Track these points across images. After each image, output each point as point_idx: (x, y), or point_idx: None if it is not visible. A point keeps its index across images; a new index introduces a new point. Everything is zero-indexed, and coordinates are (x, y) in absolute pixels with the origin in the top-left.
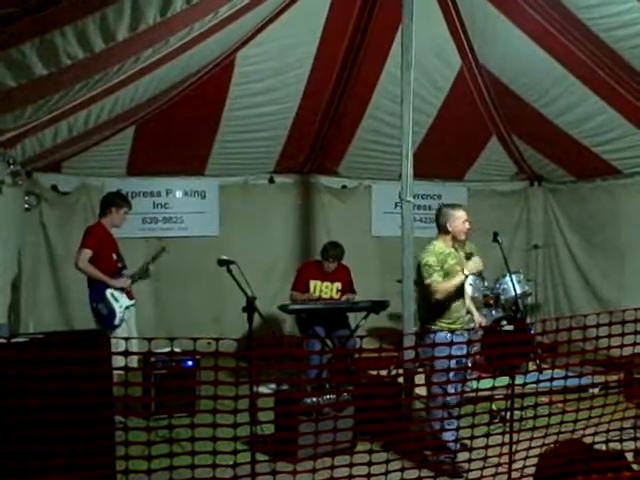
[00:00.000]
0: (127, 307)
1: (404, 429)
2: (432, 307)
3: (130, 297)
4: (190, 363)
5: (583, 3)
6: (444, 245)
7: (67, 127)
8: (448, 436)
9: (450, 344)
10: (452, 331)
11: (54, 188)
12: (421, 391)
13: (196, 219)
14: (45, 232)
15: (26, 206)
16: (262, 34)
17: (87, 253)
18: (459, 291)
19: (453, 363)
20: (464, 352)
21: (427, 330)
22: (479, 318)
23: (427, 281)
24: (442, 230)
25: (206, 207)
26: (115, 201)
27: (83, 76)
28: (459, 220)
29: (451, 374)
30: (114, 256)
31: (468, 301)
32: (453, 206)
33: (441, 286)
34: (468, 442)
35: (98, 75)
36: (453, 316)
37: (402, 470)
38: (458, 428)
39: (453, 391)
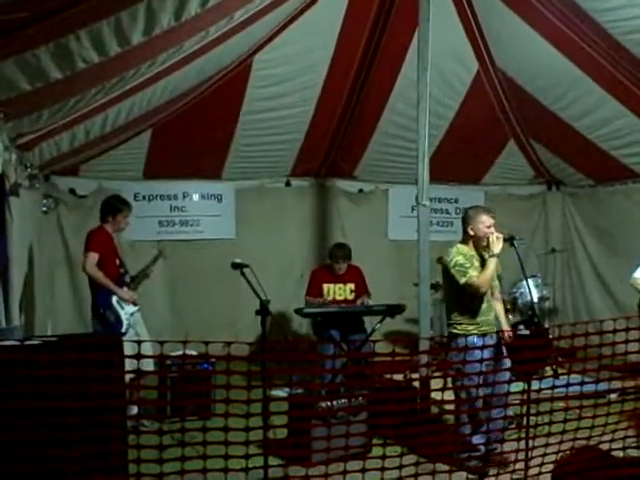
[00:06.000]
0: (132, 314)
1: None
2: (458, 310)
3: (134, 303)
4: (205, 366)
5: (601, 5)
6: (467, 248)
7: (84, 131)
8: (478, 439)
9: (465, 348)
10: (480, 335)
11: (72, 191)
12: (437, 396)
13: (212, 222)
14: (62, 235)
15: (44, 209)
16: (278, 38)
17: (94, 257)
18: (486, 295)
19: (479, 367)
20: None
21: (454, 335)
22: (507, 327)
23: (463, 280)
24: (465, 233)
25: (222, 210)
26: (111, 208)
27: (99, 80)
28: (481, 224)
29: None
30: (117, 261)
31: (499, 307)
32: (477, 209)
33: (481, 279)
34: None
35: (114, 79)
36: (477, 320)
37: (416, 476)
38: (488, 431)
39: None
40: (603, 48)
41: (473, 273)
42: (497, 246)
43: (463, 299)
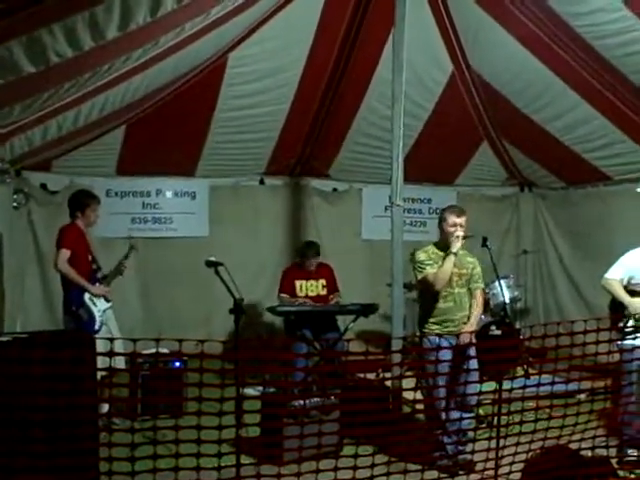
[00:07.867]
0: (104, 310)
1: (394, 432)
2: (423, 308)
3: (107, 299)
4: (177, 364)
5: (574, 10)
6: (435, 248)
7: (56, 126)
8: (445, 439)
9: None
10: (440, 335)
11: (43, 187)
12: (409, 395)
13: (186, 220)
14: (33, 230)
15: (14, 204)
16: (254, 35)
17: (66, 253)
18: (452, 295)
19: (442, 367)
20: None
21: (421, 334)
22: (468, 328)
23: (420, 276)
24: (440, 232)
25: (196, 208)
26: (79, 203)
27: (72, 75)
28: (446, 223)
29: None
30: (89, 257)
31: (476, 312)
32: (447, 208)
33: (437, 274)
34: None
35: (88, 74)
36: (441, 319)
37: (387, 474)
38: (459, 431)
39: (443, 394)
40: (576, 52)
41: (431, 270)
42: (455, 245)
43: (425, 297)
